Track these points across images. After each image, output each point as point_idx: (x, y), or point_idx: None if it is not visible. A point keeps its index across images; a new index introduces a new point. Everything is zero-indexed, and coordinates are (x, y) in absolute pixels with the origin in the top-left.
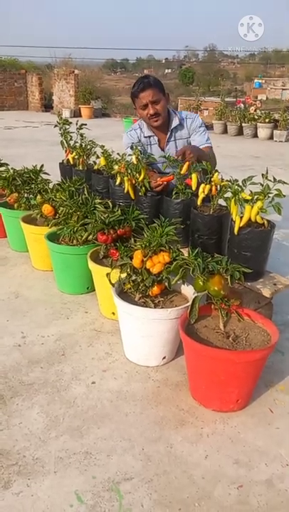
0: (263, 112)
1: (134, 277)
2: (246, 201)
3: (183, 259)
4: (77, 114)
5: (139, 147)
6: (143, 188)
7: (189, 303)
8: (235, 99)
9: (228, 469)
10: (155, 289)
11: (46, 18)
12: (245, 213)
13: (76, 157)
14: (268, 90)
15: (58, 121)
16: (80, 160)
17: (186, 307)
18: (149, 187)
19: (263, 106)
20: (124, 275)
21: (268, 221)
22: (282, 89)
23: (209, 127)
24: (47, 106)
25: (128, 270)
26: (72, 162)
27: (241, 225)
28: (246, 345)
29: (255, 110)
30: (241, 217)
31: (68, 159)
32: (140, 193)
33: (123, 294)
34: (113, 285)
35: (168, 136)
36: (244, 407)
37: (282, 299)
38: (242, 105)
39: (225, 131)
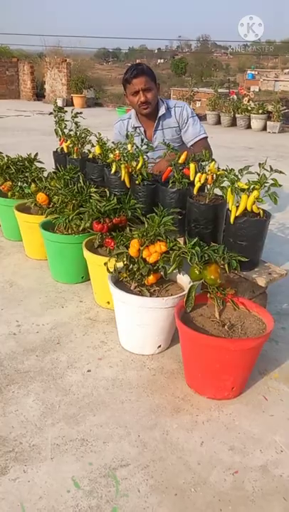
0: (256, 103)
1: (130, 266)
2: (243, 190)
3: (180, 248)
4: (69, 103)
5: (123, 140)
6: (140, 177)
7: (185, 292)
8: (228, 91)
9: (223, 456)
10: (151, 278)
11: (35, 6)
12: (241, 203)
13: (71, 145)
14: (260, 81)
15: (54, 109)
16: (75, 148)
17: (181, 296)
18: (147, 175)
19: (256, 97)
20: (120, 264)
21: (264, 211)
22: (275, 81)
23: (202, 118)
24: (39, 95)
25: (124, 259)
26: (66, 150)
27: (237, 214)
28: (241, 334)
29: (248, 101)
30: (237, 207)
31: (62, 148)
32: (137, 182)
33: (119, 283)
34: (111, 273)
35: (155, 124)
36: (239, 395)
37: (275, 289)
38: (235, 96)
39: (218, 122)
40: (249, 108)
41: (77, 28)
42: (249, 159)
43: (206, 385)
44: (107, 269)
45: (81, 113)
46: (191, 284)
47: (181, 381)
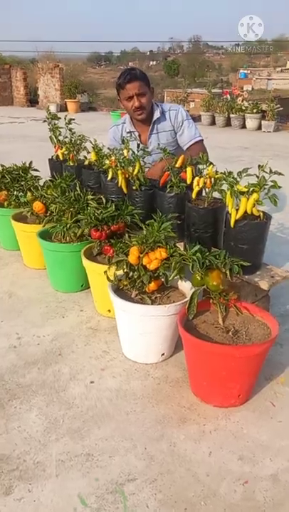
0: (250, 102)
1: (130, 274)
2: (242, 193)
3: (180, 254)
4: (63, 108)
5: (118, 146)
6: (137, 182)
7: (187, 298)
8: (221, 91)
9: (232, 466)
10: (152, 285)
11: (26, 11)
12: (241, 206)
13: (66, 152)
14: (253, 80)
15: (47, 116)
16: (70, 155)
17: (184, 303)
18: (144, 180)
19: (250, 96)
20: (120, 272)
21: (264, 213)
22: (268, 79)
23: (197, 119)
24: (32, 101)
25: (124, 267)
26: (62, 158)
27: (237, 217)
28: (246, 340)
29: (242, 101)
30: (237, 210)
31: (58, 155)
32: (134, 187)
33: (119, 291)
34: (111, 282)
35: (150, 129)
36: (245, 402)
37: (278, 291)
38: (228, 96)
39: (213, 122)
40: (243, 108)
41: (68, 33)
42: (244, 159)
43: (212, 393)
44: (107, 278)
45: (74, 119)
46: (193, 290)
47: (186, 390)
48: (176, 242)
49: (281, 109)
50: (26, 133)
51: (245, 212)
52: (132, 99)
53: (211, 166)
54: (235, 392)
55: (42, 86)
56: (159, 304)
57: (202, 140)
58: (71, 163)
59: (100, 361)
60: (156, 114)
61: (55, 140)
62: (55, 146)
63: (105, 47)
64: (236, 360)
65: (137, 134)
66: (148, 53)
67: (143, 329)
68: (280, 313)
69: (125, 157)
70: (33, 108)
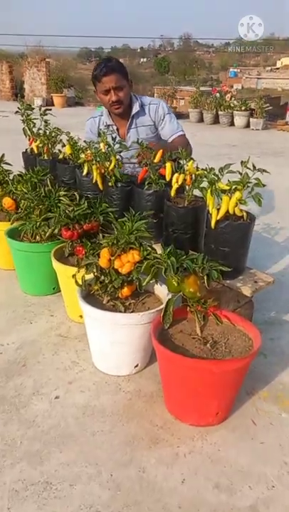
0: (239, 99)
1: (101, 278)
2: (223, 192)
3: (155, 257)
4: (49, 102)
5: (95, 139)
6: (113, 178)
7: (163, 305)
8: (210, 88)
9: (207, 495)
10: (125, 291)
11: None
12: (222, 205)
13: (40, 145)
14: (243, 79)
15: (19, 107)
16: (45, 148)
17: (159, 310)
18: (121, 176)
19: (239, 95)
20: (90, 276)
21: (247, 213)
22: (258, 79)
23: (185, 116)
24: (18, 95)
25: (94, 270)
26: (36, 151)
27: (218, 217)
28: (226, 352)
29: (230, 98)
30: (218, 210)
31: (32, 148)
32: (110, 184)
33: (90, 297)
34: (80, 287)
35: (129, 123)
36: (224, 420)
37: (263, 295)
38: (218, 94)
39: (201, 119)
40: (232, 105)
41: (59, 27)
42: (232, 157)
43: (187, 410)
44: (76, 282)
45: (50, 109)
46: (169, 297)
47: (160, 406)
48: (154, 243)
49: (270, 108)
50: (9, 126)
51: (227, 212)
52: (109, 92)
53: (192, 161)
54: (213, 409)
55: (28, 80)
56: (133, 311)
57: (184, 135)
58: (46, 157)
59: (68, 373)
60: (136, 108)
61: (29, 132)
62: (29, 139)
63: (96, 42)
64: (214, 376)
65: (115, 127)
66: (139, 50)
67: (115, 339)
68: (264, 320)
69: (101, 150)
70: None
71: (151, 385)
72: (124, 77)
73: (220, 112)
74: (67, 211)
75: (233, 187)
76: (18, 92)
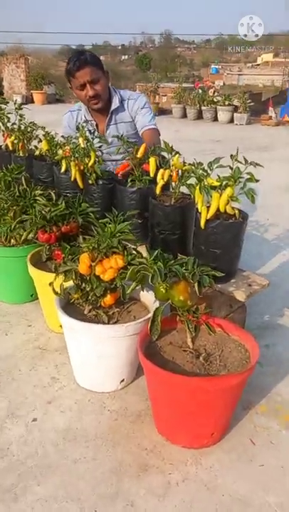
0: (222, 95)
1: (82, 285)
2: (213, 188)
3: (140, 262)
4: (29, 100)
5: (73, 134)
6: (93, 175)
7: (150, 314)
8: (193, 85)
9: None
10: (108, 299)
11: None
12: (212, 203)
13: (15, 141)
14: (224, 76)
15: None
16: (20, 145)
17: (146, 320)
18: (102, 173)
19: (221, 91)
20: (69, 283)
21: (240, 211)
22: (239, 75)
23: (168, 112)
24: None
25: (74, 277)
26: (11, 147)
27: (208, 217)
28: (221, 367)
29: (213, 93)
30: (208, 208)
31: (7, 144)
32: (90, 181)
33: (69, 306)
34: (58, 295)
35: (108, 119)
36: (220, 440)
37: (255, 297)
38: (200, 90)
39: (184, 115)
40: (215, 100)
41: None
42: (217, 152)
43: (179, 431)
44: (53, 290)
45: (25, 103)
46: (156, 305)
47: (149, 426)
48: (139, 245)
49: (252, 104)
50: None
51: (218, 210)
52: (85, 87)
53: (177, 155)
54: (208, 430)
55: (7, 77)
56: (118, 320)
57: (155, 129)
58: (21, 154)
59: (47, 391)
60: (115, 103)
61: (3, 127)
62: (3, 135)
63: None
64: (208, 394)
65: (94, 123)
66: (120, 47)
67: (98, 353)
68: (257, 324)
69: (79, 145)
70: None
71: (139, 402)
72: (99, 68)
73: (203, 107)
74: (44, 212)
75: (224, 183)
76: None
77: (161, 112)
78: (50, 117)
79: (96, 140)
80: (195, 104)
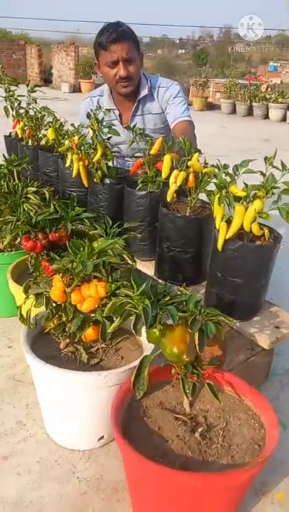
0: (276, 91)
1: (57, 312)
2: (237, 199)
3: (126, 294)
4: (76, 89)
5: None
6: (99, 172)
7: (138, 360)
8: (248, 82)
9: None
10: (90, 333)
11: None
12: (234, 218)
13: (25, 129)
14: (283, 74)
15: (1, 82)
16: (27, 132)
17: (131, 369)
18: (111, 171)
19: (277, 89)
20: (40, 309)
21: (270, 231)
22: None
23: (217, 107)
24: (47, 80)
25: (44, 303)
26: (20, 135)
27: (228, 236)
28: (222, 450)
29: (266, 89)
30: (228, 224)
31: (16, 132)
32: (94, 180)
33: (42, 338)
34: (25, 323)
35: (134, 107)
36: None
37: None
38: (253, 82)
39: (234, 111)
40: (267, 96)
41: (96, 13)
42: (264, 152)
43: None
44: (20, 316)
45: (40, 86)
46: (144, 354)
47: (125, 508)
48: (147, 259)
49: None
50: None
51: (242, 228)
52: (117, 65)
53: (197, 154)
54: None
55: (56, 65)
56: (101, 360)
57: (189, 121)
58: (30, 143)
59: (7, 441)
60: (144, 91)
61: (13, 112)
62: (13, 120)
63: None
64: (200, 495)
65: (117, 112)
66: (177, 41)
67: (70, 403)
68: (285, 368)
69: (87, 136)
70: (46, 87)
71: (119, 468)
72: (136, 47)
73: (254, 104)
74: (31, 214)
75: (252, 193)
76: (46, 77)
77: (210, 107)
78: None
79: (123, 130)
80: (245, 100)
